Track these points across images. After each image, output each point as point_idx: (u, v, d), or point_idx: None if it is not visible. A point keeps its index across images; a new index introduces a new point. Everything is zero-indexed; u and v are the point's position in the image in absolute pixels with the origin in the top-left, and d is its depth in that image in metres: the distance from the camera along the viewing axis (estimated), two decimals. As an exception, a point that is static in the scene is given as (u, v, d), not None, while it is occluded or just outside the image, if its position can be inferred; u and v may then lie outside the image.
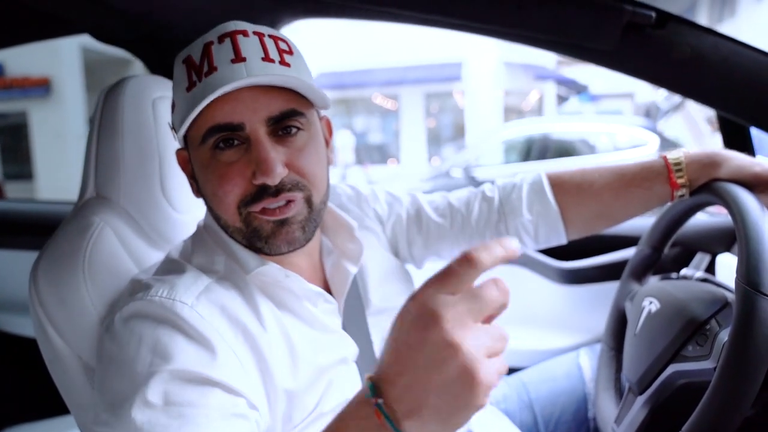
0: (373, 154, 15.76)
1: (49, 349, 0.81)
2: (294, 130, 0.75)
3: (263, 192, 0.73)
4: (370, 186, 1.07)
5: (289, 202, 0.74)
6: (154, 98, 0.94)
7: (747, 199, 0.79)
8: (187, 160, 0.81)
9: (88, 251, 0.81)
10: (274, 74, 0.72)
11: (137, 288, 0.74)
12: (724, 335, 0.76)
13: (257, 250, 0.78)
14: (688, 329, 0.83)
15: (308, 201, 0.77)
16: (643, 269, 1.09)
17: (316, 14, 1.30)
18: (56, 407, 0.88)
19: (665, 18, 1.06)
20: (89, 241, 0.82)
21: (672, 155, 0.91)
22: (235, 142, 0.73)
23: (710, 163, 0.88)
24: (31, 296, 0.80)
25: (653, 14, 1.05)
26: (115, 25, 1.32)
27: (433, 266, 1.05)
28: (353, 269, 0.87)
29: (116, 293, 0.81)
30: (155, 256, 0.90)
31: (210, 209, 0.79)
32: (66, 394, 0.83)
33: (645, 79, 1.17)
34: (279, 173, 0.72)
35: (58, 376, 0.83)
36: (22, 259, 0.85)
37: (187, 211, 0.97)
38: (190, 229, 0.95)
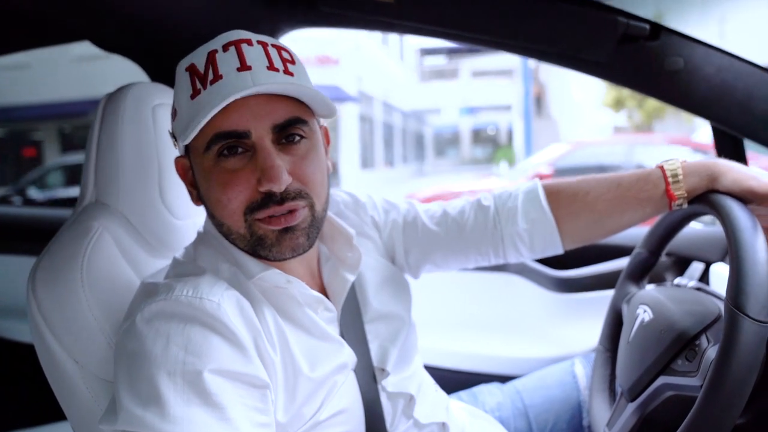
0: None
1: (47, 354, 0.81)
2: (297, 138, 0.76)
3: (269, 200, 0.73)
4: (367, 193, 1.07)
5: (293, 210, 0.75)
6: (154, 105, 0.95)
7: (741, 216, 0.78)
8: (187, 168, 0.82)
9: (86, 256, 0.81)
10: (280, 83, 0.73)
11: (155, 289, 0.74)
12: (713, 353, 0.77)
13: (259, 257, 0.79)
14: (677, 343, 0.84)
15: (311, 209, 0.77)
16: (640, 272, 1.09)
17: (315, 24, 1.32)
18: (54, 413, 0.88)
19: (658, 30, 1.07)
20: (87, 247, 0.82)
21: (669, 165, 0.91)
22: (240, 149, 0.74)
23: (708, 174, 0.87)
24: (29, 301, 0.80)
25: (647, 26, 1.07)
26: (116, 33, 1.33)
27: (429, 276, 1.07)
28: (351, 278, 0.88)
29: (113, 298, 0.82)
30: (153, 262, 0.90)
31: (212, 216, 0.79)
32: (63, 399, 0.83)
33: (639, 90, 1.19)
34: (285, 180, 0.72)
35: (55, 382, 0.83)
36: (22, 265, 0.85)
37: (185, 218, 0.98)
38: (188, 235, 0.96)
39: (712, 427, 0.70)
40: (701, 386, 0.73)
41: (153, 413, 0.62)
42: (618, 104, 18.74)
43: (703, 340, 0.81)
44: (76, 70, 13.27)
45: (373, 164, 20.97)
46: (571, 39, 1.11)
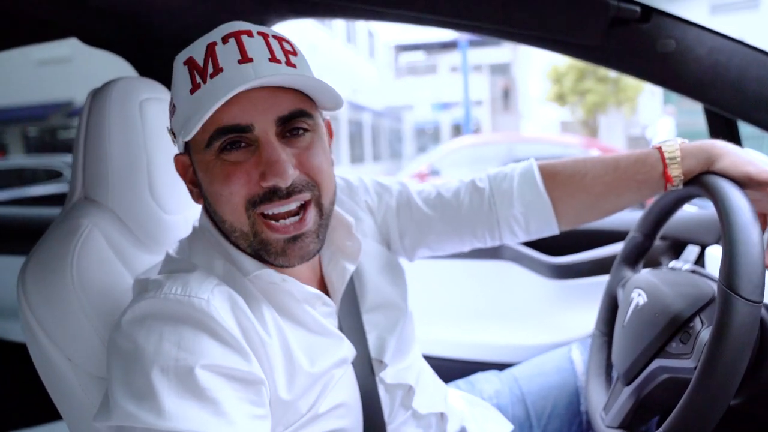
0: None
1: (39, 352, 0.80)
2: (301, 131, 0.74)
3: (273, 194, 0.72)
4: (359, 176, 1.05)
5: (302, 215, 0.73)
6: (141, 100, 0.93)
7: (735, 197, 0.78)
8: (187, 166, 0.79)
9: (76, 253, 0.81)
10: (284, 74, 0.71)
11: (145, 287, 0.74)
12: (706, 334, 0.77)
13: (264, 261, 0.77)
14: (672, 326, 0.84)
15: (318, 204, 0.76)
16: (635, 256, 1.09)
17: (303, 14, 1.31)
18: (50, 413, 0.87)
19: (649, 12, 1.06)
20: (77, 244, 0.82)
21: (667, 147, 0.90)
22: (242, 144, 0.72)
23: (706, 157, 0.87)
24: (20, 300, 0.80)
25: (638, 9, 1.06)
26: (102, 28, 1.32)
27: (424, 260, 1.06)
28: (351, 267, 0.87)
29: (104, 294, 0.81)
30: (144, 258, 0.90)
31: (214, 212, 0.77)
32: (57, 398, 0.83)
33: (631, 74, 1.18)
34: (291, 174, 0.71)
35: (49, 380, 0.82)
36: (16, 265, 0.84)
37: (176, 212, 0.97)
38: (179, 230, 0.95)
39: (707, 407, 0.70)
40: (695, 368, 0.73)
41: (147, 410, 0.62)
42: (560, 99, 18.87)
43: (697, 322, 0.81)
44: (38, 73, 13.25)
45: (339, 162, 20.97)
46: (561, 23, 1.10)
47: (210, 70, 0.70)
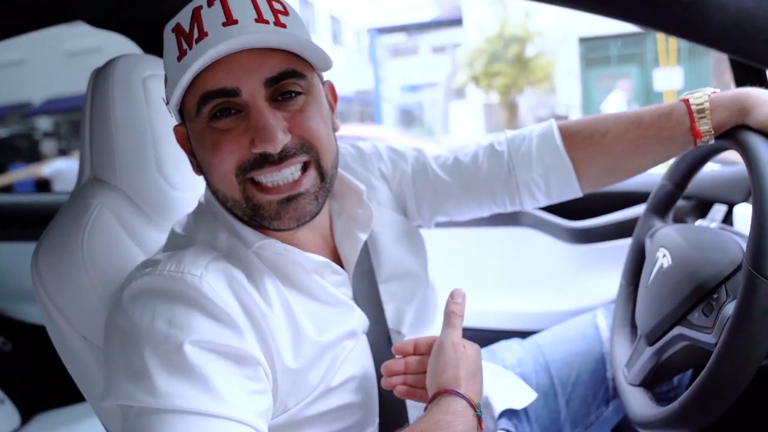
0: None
1: (57, 333, 0.81)
2: (294, 93, 0.72)
3: (264, 160, 0.70)
4: (372, 143, 1.03)
5: (300, 176, 0.72)
6: (144, 77, 0.92)
7: None
8: (185, 136, 0.78)
9: (86, 233, 0.81)
10: (267, 33, 0.68)
11: (144, 264, 0.73)
12: (729, 309, 0.73)
13: (259, 227, 0.76)
14: (695, 296, 0.80)
15: (318, 167, 0.74)
16: (664, 205, 1.05)
17: None
18: (76, 394, 0.89)
19: None
20: (87, 224, 0.81)
21: (695, 99, 0.84)
22: (233, 110, 0.70)
23: (739, 108, 0.81)
24: (34, 282, 0.81)
25: None
26: (106, 8, 1.30)
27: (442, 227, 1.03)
28: (363, 236, 0.85)
29: (117, 273, 0.81)
30: (155, 235, 0.89)
31: (208, 183, 0.77)
32: (77, 377, 0.84)
33: (651, 28, 1.12)
34: (280, 140, 0.69)
35: (68, 360, 0.83)
36: (31, 250, 0.85)
37: (185, 189, 0.96)
38: (188, 207, 0.94)
39: (723, 390, 0.68)
40: (716, 344, 0.71)
41: (142, 389, 0.62)
42: (475, 81, 18.82)
43: (722, 292, 0.77)
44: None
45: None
46: None
47: (195, 35, 0.68)
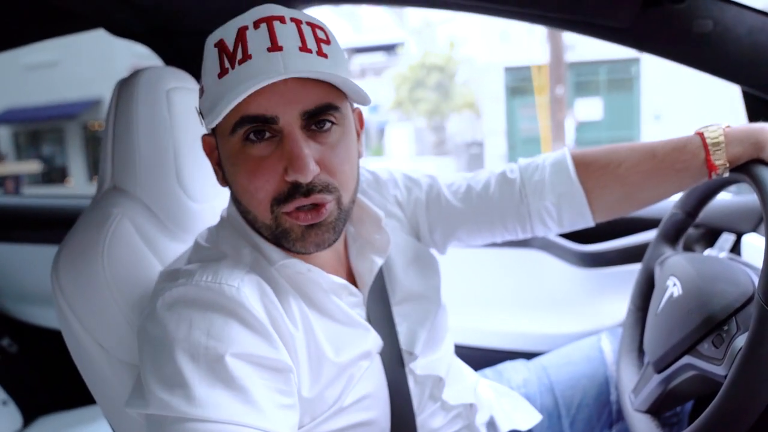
0: (55, 174, 18.60)
1: (73, 339, 0.82)
2: (328, 125, 0.72)
3: (295, 191, 0.71)
4: (388, 169, 1.04)
5: (320, 206, 0.73)
6: (168, 89, 0.94)
7: None
8: (213, 147, 0.79)
9: (106, 242, 0.82)
10: (312, 68, 0.69)
11: (176, 274, 0.74)
12: (740, 342, 0.73)
13: (282, 248, 0.77)
14: (705, 327, 0.80)
15: (338, 203, 0.75)
16: (675, 233, 1.06)
17: (330, 0, 1.30)
18: (85, 397, 0.90)
19: None
20: (108, 233, 0.83)
21: (710, 133, 0.84)
22: (267, 134, 0.71)
23: (753, 143, 0.82)
24: (54, 288, 0.82)
25: None
26: (128, 18, 1.33)
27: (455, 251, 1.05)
28: (380, 261, 0.86)
29: (135, 282, 0.82)
30: (172, 246, 0.90)
31: (238, 202, 0.77)
32: (90, 382, 0.85)
33: (665, 57, 1.14)
34: (312, 171, 0.69)
35: (83, 366, 0.84)
36: (50, 253, 0.86)
37: (203, 201, 0.98)
38: (207, 219, 0.96)
39: (733, 422, 0.68)
40: (725, 376, 0.71)
41: (179, 397, 0.62)
42: (400, 106, 19.23)
43: (732, 325, 0.77)
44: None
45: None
46: (591, 4, 1.07)
47: (239, 55, 0.69)
